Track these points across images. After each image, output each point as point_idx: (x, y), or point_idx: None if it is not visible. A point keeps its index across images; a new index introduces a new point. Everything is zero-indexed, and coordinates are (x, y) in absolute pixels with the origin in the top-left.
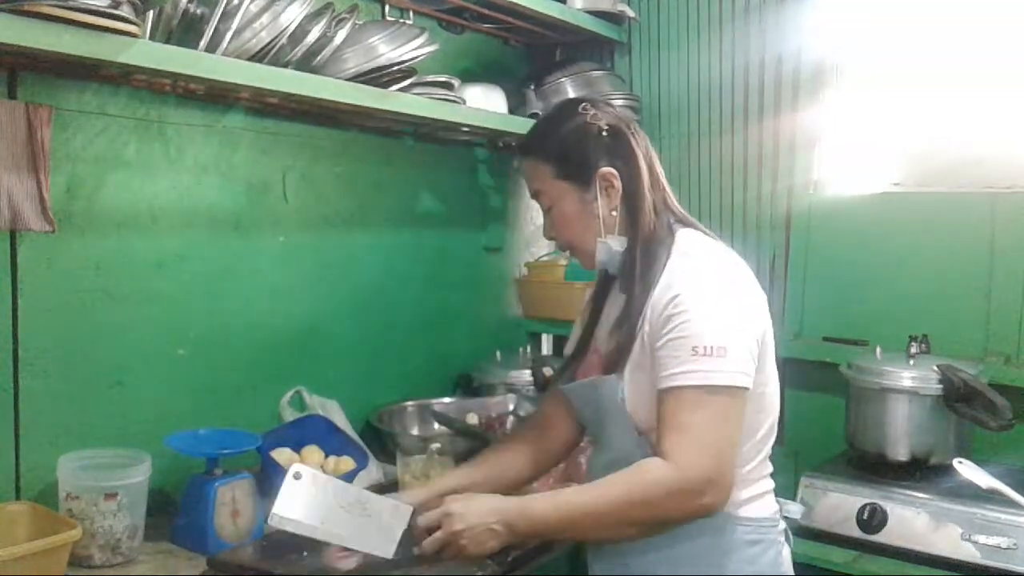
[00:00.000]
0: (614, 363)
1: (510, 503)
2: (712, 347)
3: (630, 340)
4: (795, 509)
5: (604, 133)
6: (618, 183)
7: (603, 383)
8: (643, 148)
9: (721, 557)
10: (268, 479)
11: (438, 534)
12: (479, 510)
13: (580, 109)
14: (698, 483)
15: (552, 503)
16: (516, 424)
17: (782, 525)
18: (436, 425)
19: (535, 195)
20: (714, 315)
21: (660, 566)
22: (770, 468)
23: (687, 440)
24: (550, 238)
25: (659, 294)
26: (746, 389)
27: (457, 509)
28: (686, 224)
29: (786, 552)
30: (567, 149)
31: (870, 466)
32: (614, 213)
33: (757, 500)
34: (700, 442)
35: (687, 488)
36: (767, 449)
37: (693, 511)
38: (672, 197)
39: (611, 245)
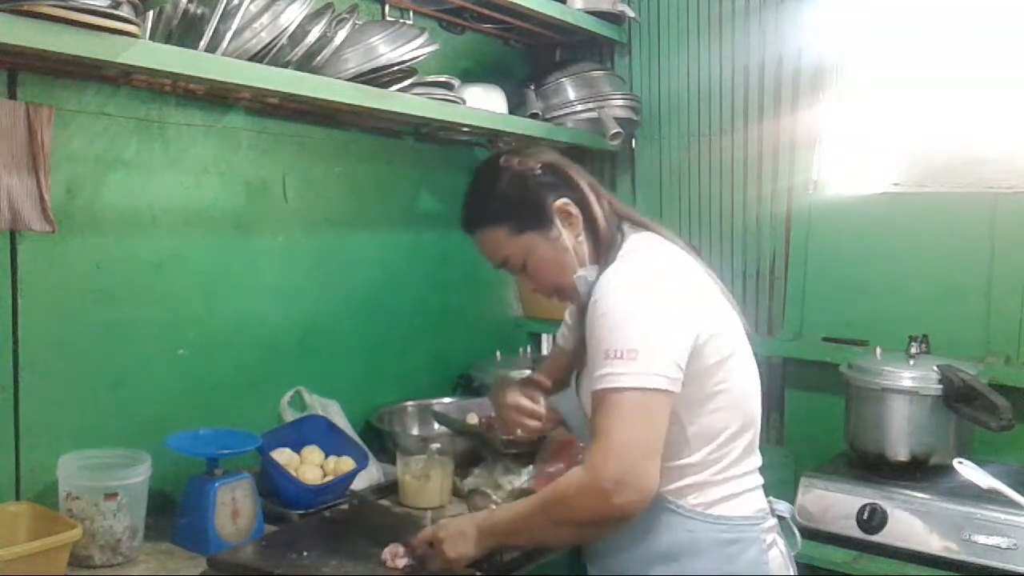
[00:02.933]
0: (565, 379)
1: (480, 514)
2: (622, 350)
3: (580, 351)
4: (784, 508)
5: (539, 171)
6: (575, 210)
7: (562, 398)
8: (577, 171)
9: (694, 557)
10: (268, 479)
11: (425, 532)
12: (457, 521)
13: (502, 163)
14: (606, 483)
15: (506, 508)
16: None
17: (769, 523)
18: (436, 425)
19: (502, 264)
20: (627, 318)
21: (633, 565)
22: (750, 467)
23: (598, 443)
24: (535, 291)
25: (591, 301)
26: (661, 391)
27: (443, 523)
28: (641, 227)
29: (775, 551)
30: (513, 203)
31: (870, 466)
32: (580, 239)
33: (733, 499)
34: (609, 444)
35: (595, 488)
36: (740, 448)
37: (607, 511)
38: (619, 203)
39: (587, 277)
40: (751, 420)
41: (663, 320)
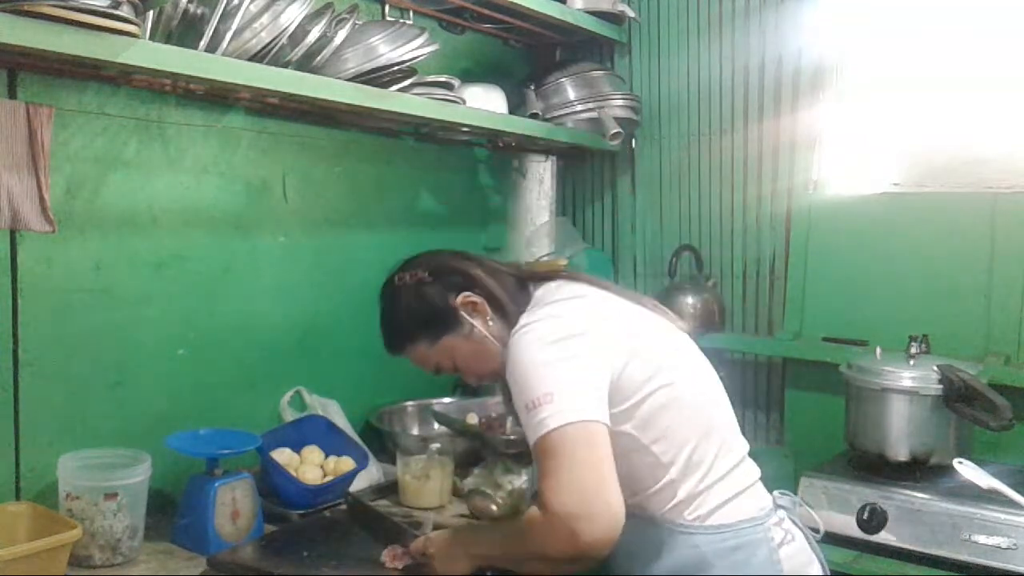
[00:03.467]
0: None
1: (469, 537)
2: (538, 397)
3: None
4: (787, 502)
5: (429, 278)
6: (477, 297)
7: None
8: (461, 258)
9: (704, 570)
10: (268, 479)
11: (418, 542)
12: (447, 543)
13: (397, 283)
14: (565, 521)
15: (494, 534)
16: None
17: (775, 519)
18: (436, 425)
19: (436, 371)
20: (534, 367)
21: None
22: (732, 461)
23: (547, 484)
24: (471, 383)
25: (506, 365)
26: (590, 421)
27: (433, 538)
28: (547, 279)
29: (788, 549)
30: (420, 317)
31: (870, 466)
32: (491, 322)
33: (729, 504)
34: (556, 485)
35: (555, 527)
36: (715, 449)
37: (576, 549)
38: (518, 265)
39: None
40: (710, 421)
41: (570, 359)
